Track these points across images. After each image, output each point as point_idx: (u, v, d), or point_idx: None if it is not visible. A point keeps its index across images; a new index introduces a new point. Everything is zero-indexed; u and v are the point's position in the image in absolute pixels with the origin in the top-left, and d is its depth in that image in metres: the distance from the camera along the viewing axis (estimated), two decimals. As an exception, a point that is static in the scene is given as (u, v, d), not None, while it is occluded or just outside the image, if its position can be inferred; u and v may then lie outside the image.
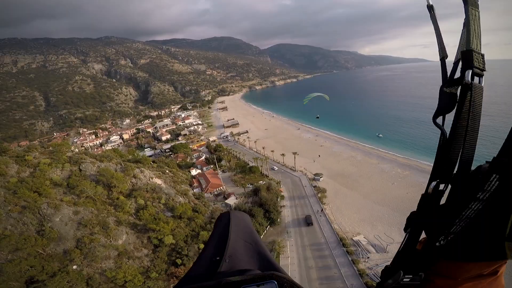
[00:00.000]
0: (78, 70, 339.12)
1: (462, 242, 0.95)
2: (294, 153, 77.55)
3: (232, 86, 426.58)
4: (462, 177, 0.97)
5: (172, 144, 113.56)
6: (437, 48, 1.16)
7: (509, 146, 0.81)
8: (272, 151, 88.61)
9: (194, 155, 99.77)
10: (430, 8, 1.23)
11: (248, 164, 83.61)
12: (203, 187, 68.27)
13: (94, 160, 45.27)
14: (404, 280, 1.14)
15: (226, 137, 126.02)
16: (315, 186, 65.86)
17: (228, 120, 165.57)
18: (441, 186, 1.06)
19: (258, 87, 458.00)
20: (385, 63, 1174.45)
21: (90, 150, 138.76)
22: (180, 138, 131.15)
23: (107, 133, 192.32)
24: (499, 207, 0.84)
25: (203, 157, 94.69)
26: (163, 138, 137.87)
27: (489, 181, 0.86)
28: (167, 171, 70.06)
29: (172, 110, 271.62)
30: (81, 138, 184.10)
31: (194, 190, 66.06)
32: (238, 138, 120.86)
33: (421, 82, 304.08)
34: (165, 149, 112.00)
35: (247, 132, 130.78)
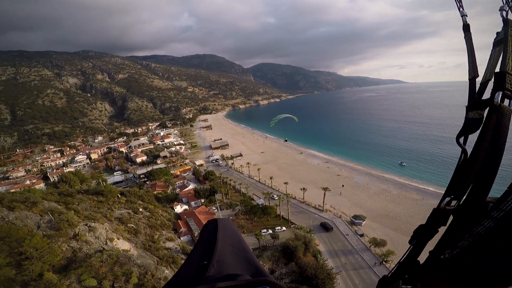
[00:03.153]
0: (51, 83, 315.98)
1: (466, 261, 0.96)
2: (325, 189, 58.12)
3: (214, 104, 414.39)
4: (479, 195, 0.98)
5: (149, 169, 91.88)
6: (468, 67, 1.15)
7: None
8: (286, 183, 69.72)
9: (177, 183, 78.63)
10: (466, 27, 1.22)
11: (253, 199, 64.26)
12: (194, 234, 47.52)
13: None
14: None
15: (216, 161, 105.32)
16: (361, 235, 47.65)
17: (215, 140, 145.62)
18: (453, 203, 1.08)
19: (241, 106, 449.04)
20: (364, 84, 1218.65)
21: (50, 170, 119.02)
22: (158, 161, 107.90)
23: (74, 151, 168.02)
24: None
25: (190, 187, 73.83)
26: (138, 160, 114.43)
27: (505, 201, 0.87)
28: (140, 209, 48.95)
29: (150, 127, 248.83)
30: (44, 156, 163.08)
31: (181, 239, 45.39)
32: (232, 163, 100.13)
33: (411, 104, 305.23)
34: (139, 175, 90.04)
35: (241, 155, 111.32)
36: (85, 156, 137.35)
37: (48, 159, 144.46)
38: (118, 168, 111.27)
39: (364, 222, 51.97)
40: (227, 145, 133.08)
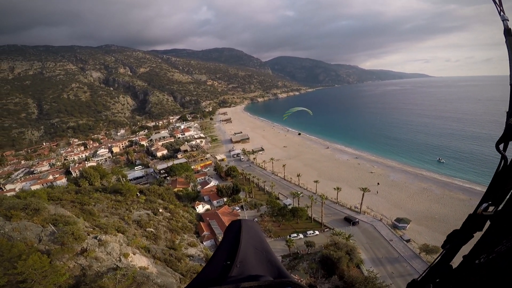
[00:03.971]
0: (76, 77, 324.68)
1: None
2: (364, 189, 51.17)
3: (233, 97, 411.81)
4: None
5: (169, 163, 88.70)
6: (509, 72, 1.12)
7: None
8: (316, 181, 63.92)
9: (198, 179, 75.30)
10: (507, 32, 1.18)
11: (279, 199, 59.26)
12: (218, 239, 43.40)
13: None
14: None
15: (238, 156, 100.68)
16: (408, 240, 41.52)
17: (235, 133, 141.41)
18: (490, 208, 1.07)
19: (260, 99, 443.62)
20: (387, 78, 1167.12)
21: (73, 164, 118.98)
22: (179, 156, 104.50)
23: (97, 144, 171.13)
24: None
25: (211, 184, 70.14)
26: (158, 154, 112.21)
27: None
28: (160, 210, 45.60)
29: (171, 120, 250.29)
30: (69, 149, 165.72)
31: (204, 244, 41.55)
32: (254, 158, 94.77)
33: (440, 98, 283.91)
34: (159, 170, 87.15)
35: (262, 150, 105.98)
36: (107, 150, 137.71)
37: (71, 153, 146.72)
38: (139, 162, 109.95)
39: (408, 225, 45.70)
40: (248, 138, 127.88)
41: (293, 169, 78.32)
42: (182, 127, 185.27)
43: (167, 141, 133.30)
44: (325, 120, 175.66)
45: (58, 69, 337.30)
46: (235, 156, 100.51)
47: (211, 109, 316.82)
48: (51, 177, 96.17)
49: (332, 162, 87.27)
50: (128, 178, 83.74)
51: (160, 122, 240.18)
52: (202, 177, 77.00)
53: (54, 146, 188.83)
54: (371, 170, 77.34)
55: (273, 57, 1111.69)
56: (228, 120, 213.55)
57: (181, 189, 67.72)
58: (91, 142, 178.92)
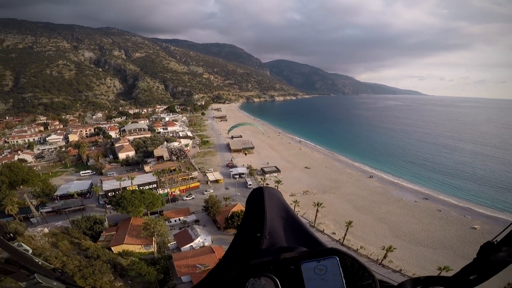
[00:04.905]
0: (66, 55, 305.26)
1: None
2: None
3: (229, 94, 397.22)
4: None
5: (124, 182, 53.36)
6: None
7: None
8: (391, 250, 38.13)
9: (172, 221, 45.96)
10: None
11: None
12: None
13: None
14: None
15: (241, 177, 66.84)
16: None
17: (233, 137, 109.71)
18: None
19: (256, 100, 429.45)
20: (381, 92, 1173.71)
21: (8, 150, 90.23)
22: (147, 167, 67.37)
23: (61, 126, 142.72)
24: None
25: (197, 241, 38.36)
26: (121, 155, 77.81)
27: None
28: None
29: (156, 110, 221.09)
30: (25, 128, 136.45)
31: None
32: (266, 183, 62.08)
33: (454, 118, 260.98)
34: (105, 192, 52.26)
35: (277, 170, 72.88)
36: (61, 137, 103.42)
37: (25, 134, 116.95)
38: (92, 162, 77.23)
39: None
40: (253, 148, 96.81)
41: (337, 214, 50.77)
42: (167, 119, 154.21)
43: (141, 135, 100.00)
44: (342, 132, 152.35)
45: (50, 45, 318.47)
46: (237, 177, 66.45)
47: (203, 103, 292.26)
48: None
49: (397, 206, 57.38)
50: (56, 193, 54.57)
51: (144, 110, 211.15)
52: (180, 218, 46.57)
53: (16, 122, 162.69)
54: (473, 225, 49.23)
55: (273, 59, 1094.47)
56: (222, 118, 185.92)
57: (132, 249, 37.04)
58: (55, 123, 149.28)
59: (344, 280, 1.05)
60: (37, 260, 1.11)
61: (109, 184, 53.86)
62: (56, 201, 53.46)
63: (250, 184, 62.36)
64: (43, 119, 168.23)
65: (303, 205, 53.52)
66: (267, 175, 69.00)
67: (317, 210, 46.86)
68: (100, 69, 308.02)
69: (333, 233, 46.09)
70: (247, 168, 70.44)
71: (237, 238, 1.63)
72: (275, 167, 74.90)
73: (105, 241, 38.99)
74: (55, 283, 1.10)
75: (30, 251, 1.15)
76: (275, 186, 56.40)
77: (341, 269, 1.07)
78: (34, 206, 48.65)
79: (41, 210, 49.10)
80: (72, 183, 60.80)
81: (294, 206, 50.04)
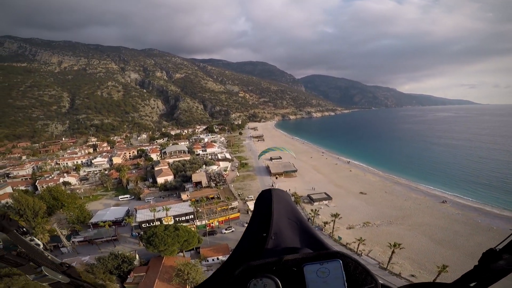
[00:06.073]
0: (114, 76, 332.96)
1: None
2: None
3: (264, 112, 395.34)
4: None
5: (159, 212, 49.95)
6: None
7: None
8: None
9: (211, 259, 40.98)
10: None
11: None
12: None
13: None
14: None
15: None
16: None
17: (272, 159, 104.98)
18: None
19: (292, 117, 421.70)
20: (427, 103, 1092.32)
21: (58, 172, 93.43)
22: (184, 195, 62.56)
23: (108, 148, 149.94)
24: None
25: None
26: (159, 179, 75.56)
27: None
28: None
29: (196, 130, 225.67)
30: (77, 149, 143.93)
31: None
32: (316, 212, 51.18)
33: None
34: (138, 223, 48.60)
35: (327, 197, 63.84)
36: (106, 160, 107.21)
37: (75, 155, 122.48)
38: (131, 186, 76.56)
39: None
40: (296, 171, 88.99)
41: (413, 251, 41.99)
42: (206, 140, 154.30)
43: (181, 158, 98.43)
44: (394, 150, 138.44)
45: (100, 67, 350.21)
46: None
47: (240, 122, 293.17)
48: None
49: (489, 236, 45.62)
50: (91, 221, 52.70)
51: (185, 131, 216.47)
52: (219, 263, 40.43)
53: (71, 143, 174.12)
54: None
55: (306, 75, 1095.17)
56: (260, 138, 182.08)
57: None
58: (104, 144, 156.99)
59: (346, 283, 1.05)
60: (46, 254, 1.17)
61: (143, 214, 50.55)
62: (90, 229, 51.32)
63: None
64: (94, 140, 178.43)
65: (367, 241, 44.46)
66: (315, 203, 60.43)
67: (393, 251, 37.51)
68: (144, 90, 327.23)
69: (412, 275, 36.67)
70: (292, 195, 62.28)
71: (244, 238, 1.67)
72: (325, 193, 66.16)
73: (133, 283, 34.72)
74: (60, 276, 1.14)
75: (41, 245, 1.21)
76: (332, 220, 47.74)
77: (343, 272, 1.08)
78: (65, 235, 46.63)
79: (72, 239, 47.01)
80: (109, 210, 59.46)
81: (358, 245, 40.97)
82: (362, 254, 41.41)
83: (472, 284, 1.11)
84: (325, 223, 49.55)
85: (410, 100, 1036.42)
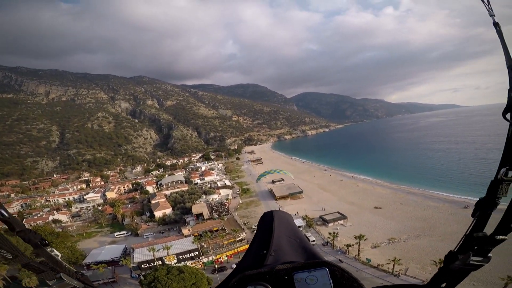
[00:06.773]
0: (104, 107, 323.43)
1: None
2: None
3: (259, 134, 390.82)
4: None
5: (159, 251, 45.22)
6: (504, 58, 1.25)
7: None
8: None
9: None
10: (496, 25, 1.37)
11: None
12: None
13: None
14: (472, 261, 1.15)
15: None
16: None
17: (274, 181, 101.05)
18: (510, 173, 1.13)
19: (287, 137, 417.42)
20: (416, 110, 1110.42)
21: (48, 209, 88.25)
22: (185, 230, 58.13)
23: (102, 183, 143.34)
24: None
25: None
26: (157, 213, 70.18)
27: None
28: None
29: (192, 159, 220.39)
30: (69, 186, 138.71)
31: None
32: (334, 237, 47.67)
33: None
34: (138, 264, 44.62)
35: (342, 216, 59.16)
36: (99, 195, 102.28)
37: (67, 192, 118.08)
38: (127, 221, 71.39)
39: None
40: (301, 192, 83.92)
41: None
42: (203, 168, 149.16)
43: (178, 189, 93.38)
44: (396, 160, 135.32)
45: (89, 97, 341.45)
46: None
47: (236, 147, 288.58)
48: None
49: None
50: (84, 261, 47.90)
51: (181, 160, 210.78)
52: None
53: (63, 180, 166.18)
54: None
55: (297, 93, 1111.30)
56: (258, 161, 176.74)
57: None
58: (97, 179, 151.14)
59: None
60: (64, 264, 1.31)
61: (141, 254, 45.22)
62: (84, 271, 44.39)
63: (313, 240, 48.75)
64: (86, 175, 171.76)
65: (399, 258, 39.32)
66: (330, 224, 55.51)
67: (440, 268, 32.06)
68: (136, 120, 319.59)
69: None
70: (303, 219, 56.93)
71: (245, 256, 1.73)
72: (338, 212, 61.62)
73: None
74: (75, 282, 1.27)
75: (60, 256, 1.35)
76: (356, 243, 42.86)
77: (330, 279, 1.17)
78: (55, 279, 40.28)
79: (63, 283, 40.19)
80: (104, 248, 54.07)
81: (393, 265, 36.23)
82: (400, 274, 36.43)
83: (443, 285, 1.22)
84: (348, 245, 44.39)
85: (400, 109, 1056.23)
